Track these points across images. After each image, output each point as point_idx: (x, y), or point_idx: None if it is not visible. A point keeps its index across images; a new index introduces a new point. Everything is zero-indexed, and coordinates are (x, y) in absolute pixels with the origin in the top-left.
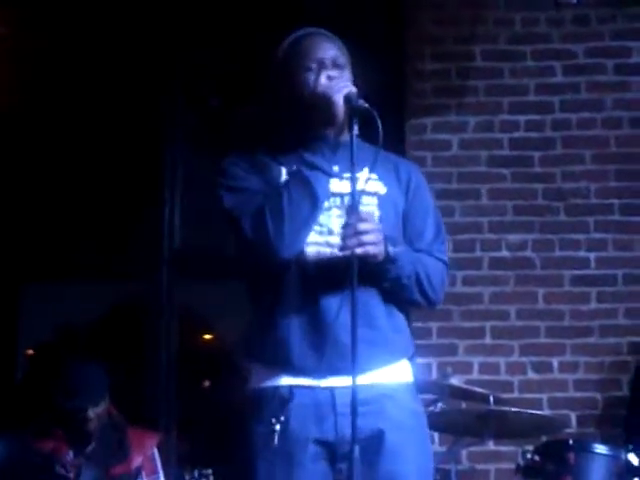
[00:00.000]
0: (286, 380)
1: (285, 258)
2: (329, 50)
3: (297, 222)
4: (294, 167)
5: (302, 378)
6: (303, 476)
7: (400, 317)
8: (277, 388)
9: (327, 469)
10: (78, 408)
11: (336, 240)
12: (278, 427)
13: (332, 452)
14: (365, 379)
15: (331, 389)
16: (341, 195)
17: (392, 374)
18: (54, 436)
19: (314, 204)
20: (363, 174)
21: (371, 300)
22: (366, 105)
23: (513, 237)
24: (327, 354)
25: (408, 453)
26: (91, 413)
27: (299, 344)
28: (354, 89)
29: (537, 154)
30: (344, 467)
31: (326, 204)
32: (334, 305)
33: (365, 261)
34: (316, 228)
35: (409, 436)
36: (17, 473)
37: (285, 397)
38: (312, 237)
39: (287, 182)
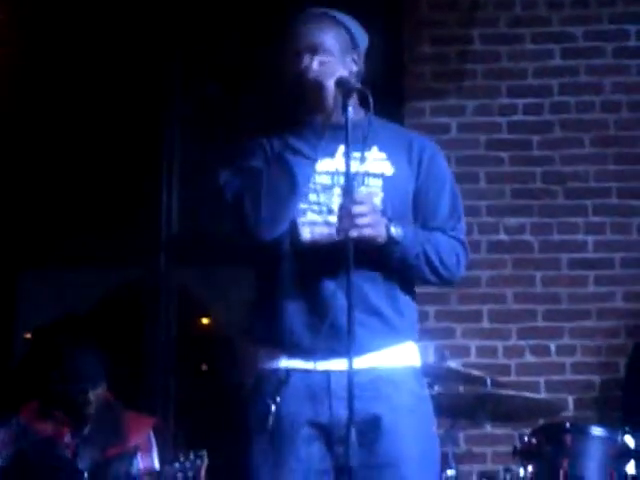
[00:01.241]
0: (284, 362)
1: (264, 240)
2: (315, 35)
3: (274, 205)
4: (278, 151)
5: (299, 360)
6: (297, 457)
7: (404, 300)
8: (275, 370)
9: (323, 452)
10: (79, 390)
11: (335, 219)
12: (273, 408)
13: (327, 435)
14: (363, 362)
15: (327, 372)
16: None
17: (392, 358)
18: (53, 418)
19: (292, 189)
20: (372, 153)
21: (369, 283)
22: (358, 85)
23: (511, 220)
24: (324, 336)
25: (407, 436)
26: (91, 395)
27: (296, 326)
28: (345, 73)
29: (536, 137)
30: (342, 450)
31: (328, 182)
32: (330, 288)
33: (366, 243)
34: (315, 208)
35: (409, 419)
36: (17, 455)
37: (282, 379)
38: (310, 216)
39: (268, 166)
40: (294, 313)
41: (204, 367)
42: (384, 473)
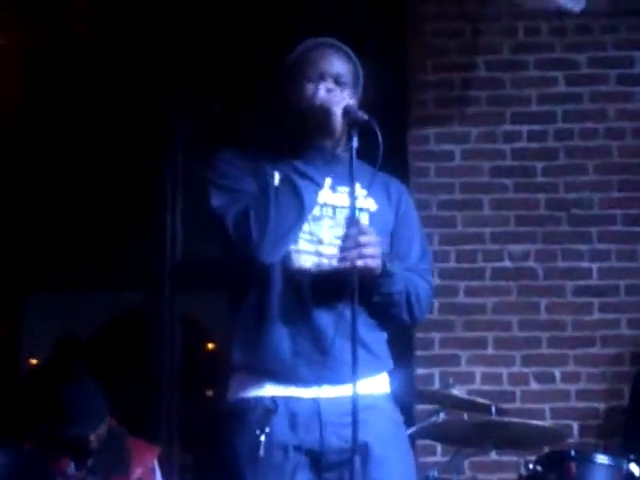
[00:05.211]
0: (269, 390)
1: (265, 263)
2: (334, 64)
3: (281, 229)
4: (285, 174)
5: (288, 387)
6: None
7: (382, 333)
8: (260, 399)
9: (313, 478)
10: (79, 435)
11: (326, 250)
12: (263, 438)
13: (318, 462)
14: (349, 390)
15: (316, 399)
16: (333, 207)
17: (374, 385)
18: (54, 450)
19: (300, 213)
20: (355, 189)
21: (357, 314)
22: (366, 117)
23: (515, 247)
24: (315, 364)
25: (392, 461)
26: (92, 437)
27: (287, 353)
28: (352, 101)
29: (539, 164)
30: (331, 477)
31: (317, 213)
32: (323, 316)
33: (365, 274)
34: (306, 237)
35: (392, 445)
36: None
37: (269, 407)
38: (302, 245)
39: (276, 188)
40: (284, 340)
41: (209, 393)
42: None
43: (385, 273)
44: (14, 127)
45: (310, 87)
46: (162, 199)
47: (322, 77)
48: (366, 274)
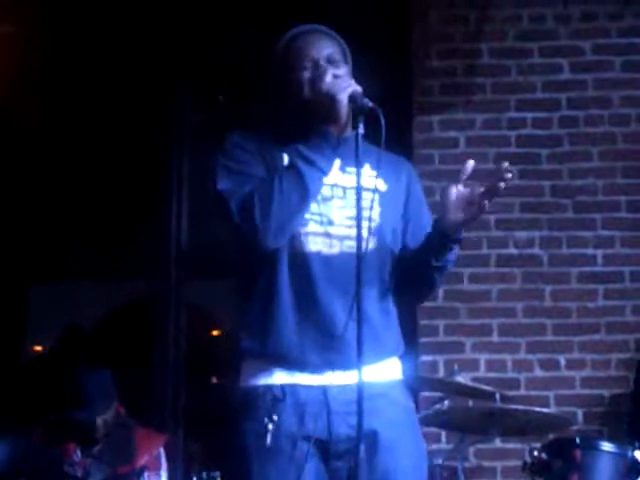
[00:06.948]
0: (279, 378)
1: (268, 248)
2: (323, 48)
3: (284, 215)
4: (290, 159)
5: (296, 374)
6: (297, 475)
7: (393, 315)
8: (269, 387)
9: (321, 468)
10: (86, 419)
11: (336, 231)
12: (271, 426)
13: (326, 451)
14: (357, 377)
15: (324, 387)
16: (343, 187)
17: (383, 372)
18: (62, 435)
19: (304, 198)
20: (365, 170)
21: (367, 299)
22: (371, 104)
23: (520, 234)
24: (325, 349)
25: (402, 449)
26: (99, 421)
27: (297, 337)
28: (359, 88)
29: (544, 151)
30: (340, 465)
31: (328, 194)
32: (333, 300)
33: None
34: (316, 218)
35: (403, 432)
36: (25, 473)
37: (278, 396)
38: (312, 227)
39: (280, 173)
40: (293, 325)
41: (215, 380)
42: None
43: (458, 239)
44: (19, 116)
45: (306, 74)
46: (168, 187)
47: (316, 62)
48: (448, 232)
